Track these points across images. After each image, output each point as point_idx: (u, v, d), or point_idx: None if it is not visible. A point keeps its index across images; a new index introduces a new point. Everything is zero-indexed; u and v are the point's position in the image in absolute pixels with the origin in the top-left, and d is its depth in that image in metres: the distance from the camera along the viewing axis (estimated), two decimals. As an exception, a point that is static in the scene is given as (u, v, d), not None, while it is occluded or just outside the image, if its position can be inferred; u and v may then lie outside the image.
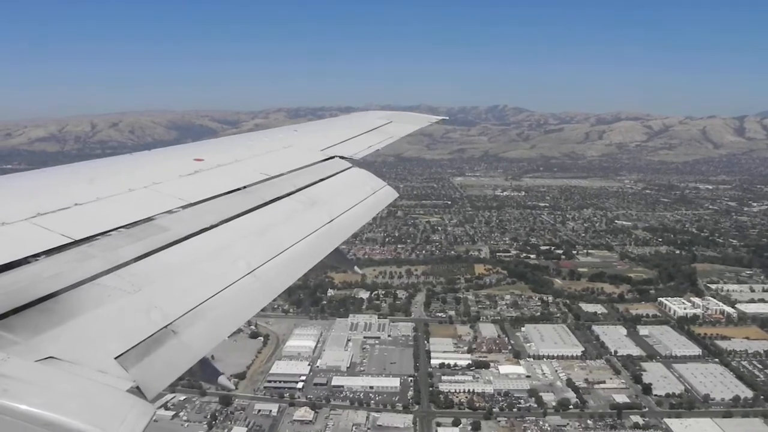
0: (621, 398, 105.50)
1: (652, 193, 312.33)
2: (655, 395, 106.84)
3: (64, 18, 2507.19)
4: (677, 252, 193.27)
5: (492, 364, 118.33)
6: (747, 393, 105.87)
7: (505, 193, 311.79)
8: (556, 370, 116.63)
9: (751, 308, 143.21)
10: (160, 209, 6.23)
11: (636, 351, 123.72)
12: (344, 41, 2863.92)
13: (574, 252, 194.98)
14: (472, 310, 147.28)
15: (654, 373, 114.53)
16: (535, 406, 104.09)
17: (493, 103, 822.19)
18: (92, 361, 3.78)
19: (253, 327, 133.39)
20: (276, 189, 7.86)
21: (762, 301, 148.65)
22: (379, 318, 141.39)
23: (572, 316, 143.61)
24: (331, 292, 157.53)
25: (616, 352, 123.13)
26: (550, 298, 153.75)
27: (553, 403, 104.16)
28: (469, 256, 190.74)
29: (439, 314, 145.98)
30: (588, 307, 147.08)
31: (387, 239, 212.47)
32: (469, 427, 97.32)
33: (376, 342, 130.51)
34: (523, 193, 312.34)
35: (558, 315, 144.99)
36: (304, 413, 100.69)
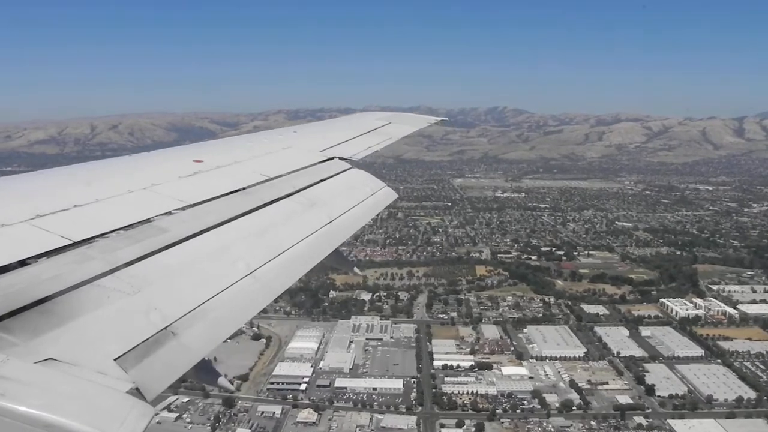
0: (624, 399, 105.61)
1: (652, 194, 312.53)
2: (658, 396, 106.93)
3: (64, 20, 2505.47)
4: (678, 253, 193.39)
5: (495, 366, 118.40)
6: (750, 394, 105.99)
7: (505, 195, 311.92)
8: (559, 372, 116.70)
9: (752, 309, 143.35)
10: (159, 210, 6.22)
11: (638, 352, 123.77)
12: (343, 43, 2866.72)
13: (575, 253, 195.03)
14: (474, 311, 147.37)
15: (657, 374, 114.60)
16: (539, 407, 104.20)
17: (492, 105, 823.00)
18: (91, 363, 3.78)
19: (255, 329, 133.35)
20: (275, 190, 7.87)
21: (763, 302, 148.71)
22: (381, 319, 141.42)
23: (574, 317, 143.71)
24: (332, 293, 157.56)
25: (618, 353, 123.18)
26: (552, 300, 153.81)
27: (557, 405, 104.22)
28: (470, 258, 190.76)
29: (441, 316, 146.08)
30: (590, 309, 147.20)
31: (388, 241, 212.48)
32: (473, 429, 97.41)
33: (379, 343, 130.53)
34: (524, 195, 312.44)
35: (560, 316, 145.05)
36: (307, 415, 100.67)
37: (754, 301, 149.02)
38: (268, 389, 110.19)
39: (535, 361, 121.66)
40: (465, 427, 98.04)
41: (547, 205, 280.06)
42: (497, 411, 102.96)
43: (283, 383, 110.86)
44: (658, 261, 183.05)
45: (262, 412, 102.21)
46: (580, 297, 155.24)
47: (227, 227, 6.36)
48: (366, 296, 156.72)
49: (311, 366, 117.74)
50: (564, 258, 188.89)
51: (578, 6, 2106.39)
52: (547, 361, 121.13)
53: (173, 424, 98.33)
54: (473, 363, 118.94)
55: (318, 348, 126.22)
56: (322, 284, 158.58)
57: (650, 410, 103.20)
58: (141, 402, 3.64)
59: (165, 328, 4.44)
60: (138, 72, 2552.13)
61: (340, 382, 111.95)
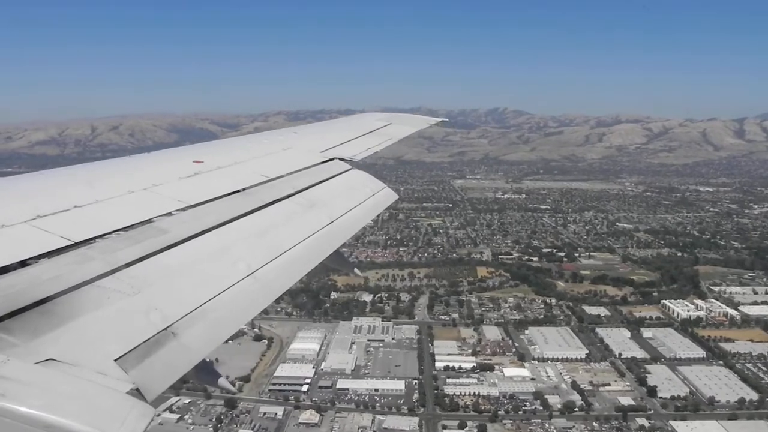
0: (626, 401, 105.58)
1: (653, 195, 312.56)
2: (660, 398, 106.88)
3: (65, 20, 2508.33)
4: (679, 254, 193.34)
5: (496, 367, 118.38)
6: (752, 395, 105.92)
7: (505, 196, 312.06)
8: (561, 373, 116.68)
9: (754, 310, 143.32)
10: (159, 211, 6.21)
11: (640, 353, 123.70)
12: (344, 44, 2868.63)
13: (576, 255, 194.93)
14: (475, 312, 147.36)
15: (659, 375, 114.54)
16: (541, 408, 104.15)
17: (492, 106, 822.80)
18: (92, 363, 3.78)
19: (256, 330, 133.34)
20: (275, 191, 7.87)
21: (765, 303, 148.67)
22: (382, 321, 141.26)
23: (575, 318, 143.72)
24: (334, 294, 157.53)
25: (620, 354, 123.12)
26: (553, 301, 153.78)
27: (559, 406, 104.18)
28: (471, 259, 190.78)
29: (443, 317, 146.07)
30: (591, 310, 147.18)
31: (389, 242, 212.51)
32: (475, 430, 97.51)
33: (380, 345, 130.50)
34: (524, 196, 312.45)
35: (561, 317, 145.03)
36: (309, 416, 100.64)
37: (755, 303, 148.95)
38: (269, 390, 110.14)
39: (536, 362, 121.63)
40: (467, 428, 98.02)
41: (548, 207, 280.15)
42: (499, 412, 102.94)
43: (284, 384, 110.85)
44: (659, 262, 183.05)
45: (264, 413, 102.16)
46: (581, 298, 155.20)
47: (227, 228, 6.37)
48: (367, 297, 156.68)
49: (313, 367, 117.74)
50: (565, 259, 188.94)
51: (578, 7, 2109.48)
52: (549, 362, 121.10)
53: (175, 425, 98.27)
54: (475, 364, 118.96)
55: (319, 349, 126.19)
56: (324, 285, 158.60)
57: (652, 412, 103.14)
58: (141, 402, 3.65)
59: (165, 328, 4.45)
60: (139, 73, 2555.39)
61: (341, 383, 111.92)
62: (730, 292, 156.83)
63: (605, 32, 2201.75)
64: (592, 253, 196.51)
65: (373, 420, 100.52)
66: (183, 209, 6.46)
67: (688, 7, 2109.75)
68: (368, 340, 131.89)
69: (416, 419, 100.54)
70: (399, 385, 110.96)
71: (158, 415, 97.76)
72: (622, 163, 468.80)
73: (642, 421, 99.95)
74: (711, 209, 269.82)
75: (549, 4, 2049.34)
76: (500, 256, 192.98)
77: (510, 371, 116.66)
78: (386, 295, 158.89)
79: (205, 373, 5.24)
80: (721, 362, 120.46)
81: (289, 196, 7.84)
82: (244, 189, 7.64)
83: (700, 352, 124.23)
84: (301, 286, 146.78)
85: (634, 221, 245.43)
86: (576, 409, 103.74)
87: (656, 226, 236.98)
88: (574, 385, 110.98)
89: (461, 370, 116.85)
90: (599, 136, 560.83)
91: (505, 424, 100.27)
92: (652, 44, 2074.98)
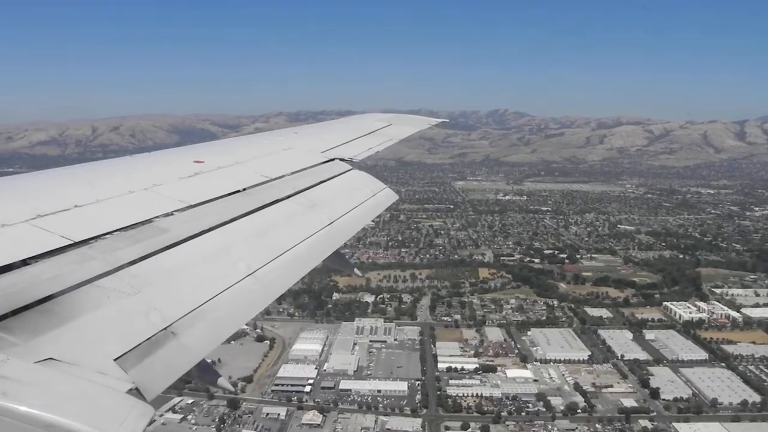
0: (629, 402, 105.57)
1: (654, 197, 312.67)
2: (663, 399, 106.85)
3: (65, 21, 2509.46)
4: (681, 256, 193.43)
5: (499, 368, 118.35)
6: (755, 397, 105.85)
7: (507, 198, 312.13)
8: (563, 374, 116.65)
9: (756, 313, 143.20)
10: (159, 211, 6.20)
11: (642, 355, 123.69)
12: (345, 45, 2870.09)
13: (578, 256, 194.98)
14: (477, 314, 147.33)
15: (661, 377, 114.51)
16: (544, 410, 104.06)
17: (493, 108, 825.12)
18: (91, 363, 3.78)
19: (258, 330, 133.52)
20: (276, 191, 7.88)
21: (767, 305, 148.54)
22: (384, 322, 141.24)
23: (578, 320, 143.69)
24: (336, 295, 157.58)
25: (622, 356, 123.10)
26: (555, 303, 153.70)
27: (562, 407, 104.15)
28: (473, 260, 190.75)
29: (445, 318, 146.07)
30: (593, 312, 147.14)
31: (390, 243, 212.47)
32: (478, 431, 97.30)
33: (383, 346, 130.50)
34: (525, 198, 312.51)
35: (563, 319, 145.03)
36: (312, 417, 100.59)
37: (757, 305, 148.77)
38: (272, 391, 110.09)
39: (539, 363, 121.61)
40: (470, 429, 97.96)
41: (549, 208, 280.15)
42: (502, 414, 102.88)
43: (287, 385, 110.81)
44: (661, 264, 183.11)
45: (267, 414, 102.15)
46: (583, 300, 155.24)
47: (228, 228, 6.37)
48: (369, 298, 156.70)
49: (315, 368, 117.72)
50: (567, 261, 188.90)
51: (579, 8, 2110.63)
52: (552, 363, 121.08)
53: (178, 425, 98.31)
54: (477, 365, 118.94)
55: (322, 350, 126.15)
56: (325, 286, 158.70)
57: (655, 413, 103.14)
58: (141, 402, 3.65)
59: (165, 328, 4.45)
60: (139, 74, 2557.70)
61: (344, 384, 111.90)
62: (732, 294, 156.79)
63: (606, 34, 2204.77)
64: (593, 255, 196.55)
65: (376, 421, 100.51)
66: (183, 209, 6.46)
67: (688, 9, 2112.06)
68: (370, 341, 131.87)
69: (419, 420, 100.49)
70: (402, 386, 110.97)
71: (161, 415, 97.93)
72: (623, 165, 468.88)
73: (645, 422, 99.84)
74: (712, 211, 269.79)
75: (549, 5, 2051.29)
76: (502, 258, 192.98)
77: (512, 372, 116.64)
78: (388, 296, 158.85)
79: (204, 372, 5.26)
80: (723, 364, 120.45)
81: (289, 197, 7.87)
82: (244, 189, 7.66)
83: (702, 354, 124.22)
84: (302, 286, 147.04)
85: (636, 223, 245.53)
86: (579, 410, 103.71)
87: (658, 228, 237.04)
88: (577, 387, 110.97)
89: (464, 372, 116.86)
90: (600, 137, 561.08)
91: (508, 425, 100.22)
92: (653, 46, 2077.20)
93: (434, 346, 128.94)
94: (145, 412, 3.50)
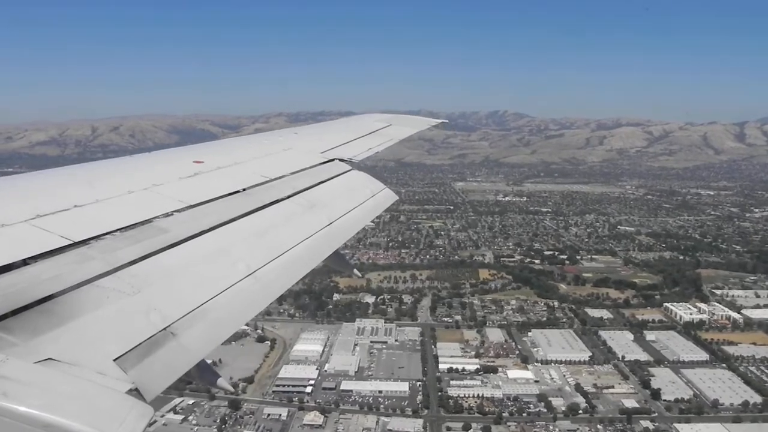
0: (630, 403, 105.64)
1: (654, 198, 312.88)
2: (664, 400, 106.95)
3: (65, 21, 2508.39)
4: (681, 257, 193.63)
5: (500, 369, 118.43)
6: (756, 398, 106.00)
7: (506, 199, 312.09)
8: (565, 375, 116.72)
9: (756, 314, 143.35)
10: (159, 211, 6.19)
11: (643, 356, 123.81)
12: (344, 46, 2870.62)
13: (578, 257, 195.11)
14: (478, 314, 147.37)
15: (662, 378, 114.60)
16: (545, 410, 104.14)
17: (493, 109, 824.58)
18: (91, 363, 3.77)
19: (259, 331, 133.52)
20: (275, 191, 7.86)
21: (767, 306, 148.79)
22: (385, 322, 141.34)
23: (578, 321, 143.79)
24: (336, 296, 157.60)
25: (623, 357, 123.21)
26: (556, 303, 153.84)
27: (563, 408, 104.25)
28: (473, 261, 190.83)
29: (446, 319, 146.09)
30: (594, 313, 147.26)
31: (390, 244, 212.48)
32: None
33: (384, 346, 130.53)
34: (525, 199, 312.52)
35: (564, 320, 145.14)
36: (314, 417, 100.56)
37: (757, 306, 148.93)
38: (273, 392, 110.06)
39: (540, 364, 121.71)
40: (472, 430, 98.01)
41: (549, 209, 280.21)
42: (504, 414, 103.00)
43: (288, 386, 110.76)
44: (662, 265, 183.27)
45: (269, 415, 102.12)
46: (583, 301, 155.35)
47: (227, 228, 6.37)
48: (370, 299, 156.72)
49: (316, 369, 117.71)
50: (567, 262, 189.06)
51: (579, 9, 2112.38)
52: (553, 364, 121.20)
53: (179, 426, 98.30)
54: (478, 366, 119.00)
55: (323, 351, 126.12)
56: (326, 287, 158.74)
57: (656, 414, 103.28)
58: (140, 402, 3.64)
59: (165, 328, 4.44)
60: (139, 74, 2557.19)
61: (345, 385, 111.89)
62: (733, 296, 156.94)
63: (606, 35, 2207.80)
64: (593, 256, 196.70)
65: (377, 421, 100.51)
66: (183, 209, 6.46)
67: (688, 10, 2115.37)
68: (371, 342, 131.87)
69: (420, 421, 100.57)
70: (403, 387, 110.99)
71: (162, 416, 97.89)
72: (623, 166, 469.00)
73: (646, 423, 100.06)
74: (712, 213, 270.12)
75: (549, 6, 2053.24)
76: (502, 259, 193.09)
77: (513, 373, 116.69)
78: (389, 296, 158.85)
79: (204, 373, 5.26)
80: (724, 365, 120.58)
81: (288, 197, 7.87)
82: (244, 189, 7.66)
83: (703, 355, 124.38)
84: (303, 287, 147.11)
85: (636, 224, 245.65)
86: (580, 411, 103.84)
87: (658, 229, 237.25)
88: (578, 388, 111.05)
89: (465, 372, 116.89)
90: (600, 139, 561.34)
91: (509, 426, 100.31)
92: (653, 47, 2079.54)
93: (435, 346, 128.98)
94: (144, 412, 3.50)
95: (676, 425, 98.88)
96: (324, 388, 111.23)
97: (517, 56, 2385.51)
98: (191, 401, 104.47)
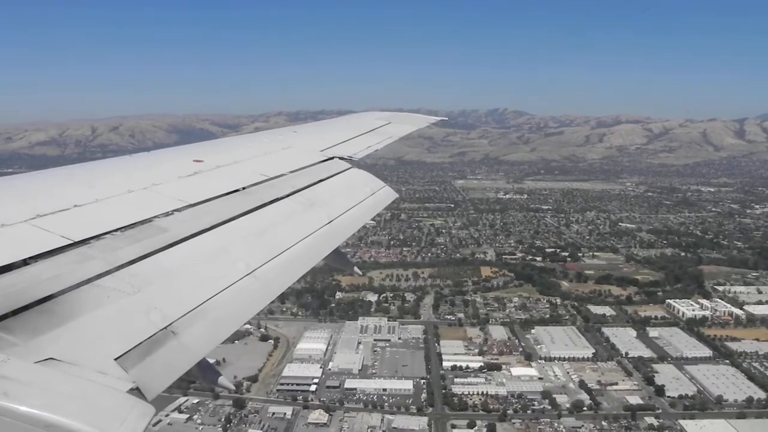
0: (634, 400, 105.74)
1: (654, 195, 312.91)
2: (668, 397, 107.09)
3: (65, 21, 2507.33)
4: (682, 254, 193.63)
5: (504, 366, 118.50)
6: (760, 394, 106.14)
7: (507, 196, 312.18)
8: (568, 372, 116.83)
9: (759, 310, 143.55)
10: (159, 210, 6.20)
11: (647, 353, 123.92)
12: (344, 45, 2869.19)
13: (580, 254, 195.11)
14: (480, 312, 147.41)
15: (666, 374, 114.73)
16: (549, 407, 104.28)
17: (493, 107, 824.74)
18: (92, 363, 3.77)
19: (262, 330, 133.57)
20: (275, 190, 7.86)
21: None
22: (388, 321, 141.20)
23: (581, 318, 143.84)
24: (339, 294, 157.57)
25: (626, 353, 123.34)
26: (558, 301, 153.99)
27: (567, 405, 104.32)
28: (475, 259, 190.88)
29: (448, 317, 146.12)
30: (596, 309, 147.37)
31: (392, 242, 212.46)
32: (485, 429, 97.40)
33: (387, 344, 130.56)
34: (526, 196, 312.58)
35: (567, 317, 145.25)
36: (318, 416, 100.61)
37: (760, 302, 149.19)
38: (277, 390, 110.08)
39: (543, 361, 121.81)
40: (476, 427, 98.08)
41: (550, 207, 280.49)
42: (508, 412, 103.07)
43: (292, 384, 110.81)
44: (663, 262, 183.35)
45: (273, 413, 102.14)
46: (586, 298, 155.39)
47: (227, 227, 6.37)
48: (372, 297, 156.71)
49: (320, 367, 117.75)
50: (569, 259, 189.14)
51: (579, 8, 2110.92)
52: (556, 361, 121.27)
53: (184, 425, 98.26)
54: (482, 364, 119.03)
55: (326, 349, 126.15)
56: (328, 285, 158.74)
57: (660, 410, 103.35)
58: (141, 402, 3.64)
59: (165, 327, 4.44)
60: (139, 74, 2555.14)
61: (349, 383, 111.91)
62: (735, 292, 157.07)
63: (605, 33, 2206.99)
64: (595, 253, 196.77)
65: (382, 419, 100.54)
66: (183, 208, 6.45)
67: (688, 8, 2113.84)
68: (375, 340, 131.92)
69: (425, 419, 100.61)
70: (407, 385, 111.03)
71: (167, 415, 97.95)
72: (623, 163, 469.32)
73: (651, 419, 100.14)
74: (713, 209, 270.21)
75: (549, 4, 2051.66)
76: (504, 256, 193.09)
77: (517, 371, 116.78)
78: (391, 295, 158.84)
79: (205, 372, 5.25)
80: (727, 361, 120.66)
81: (288, 195, 7.86)
82: (243, 188, 7.65)
83: (706, 352, 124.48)
84: (305, 286, 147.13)
85: (637, 221, 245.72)
86: (584, 408, 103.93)
87: (659, 226, 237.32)
88: (582, 385, 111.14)
89: (468, 370, 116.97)
90: (599, 136, 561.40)
91: (514, 423, 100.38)
92: (652, 45, 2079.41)
93: (438, 344, 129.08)
94: (145, 411, 3.50)
95: (681, 421, 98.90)
96: (328, 387, 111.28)
97: (517, 54, 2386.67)
98: (196, 400, 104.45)
